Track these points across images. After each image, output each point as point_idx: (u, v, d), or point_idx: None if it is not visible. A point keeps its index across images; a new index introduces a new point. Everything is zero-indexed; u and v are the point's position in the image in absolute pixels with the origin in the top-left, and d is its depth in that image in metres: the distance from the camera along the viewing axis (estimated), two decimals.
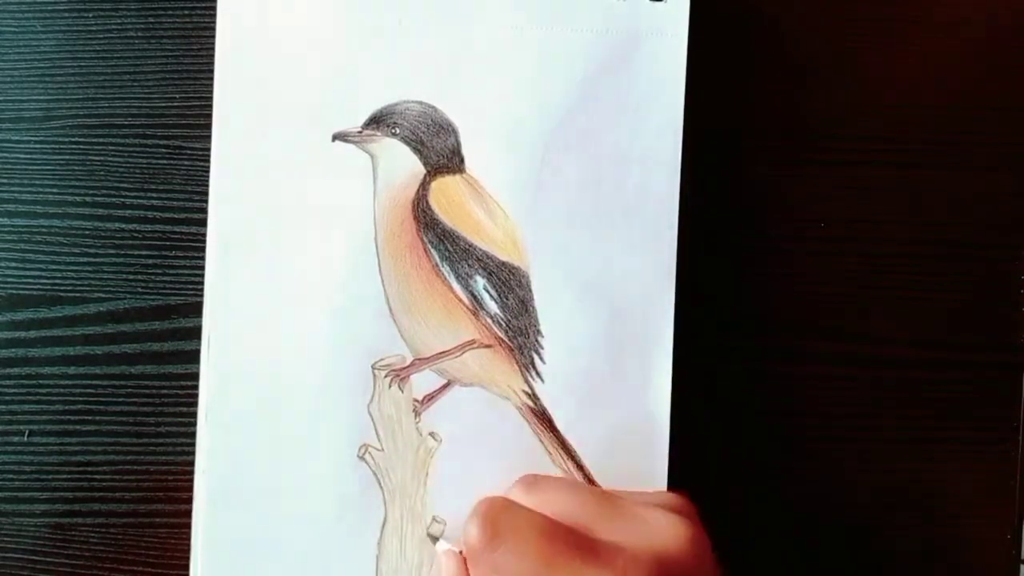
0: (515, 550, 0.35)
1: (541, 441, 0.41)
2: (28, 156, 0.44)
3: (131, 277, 0.44)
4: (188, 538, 0.41)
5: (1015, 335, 0.46)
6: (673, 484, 0.41)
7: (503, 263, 0.41)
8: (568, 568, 0.34)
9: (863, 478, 0.45)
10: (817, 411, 0.45)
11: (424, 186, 0.41)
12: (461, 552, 0.38)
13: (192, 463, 0.41)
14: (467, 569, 0.37)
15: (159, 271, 0.44)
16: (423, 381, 0.41)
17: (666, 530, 0.36)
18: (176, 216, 0.44)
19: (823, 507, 0.45)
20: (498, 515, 0.36)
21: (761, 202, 0.45)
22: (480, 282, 0.41)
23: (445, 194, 0.41)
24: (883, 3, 0.45)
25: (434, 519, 0.41)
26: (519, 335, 0.41)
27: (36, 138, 0.44)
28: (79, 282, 0.44)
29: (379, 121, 0.41)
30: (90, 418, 0.44)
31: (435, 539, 0.40)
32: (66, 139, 0.44)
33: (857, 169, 0.45)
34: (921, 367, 0.45)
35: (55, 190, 0.44)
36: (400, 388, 0.41)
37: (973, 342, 0.45)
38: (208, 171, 0.41)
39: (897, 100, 0.45)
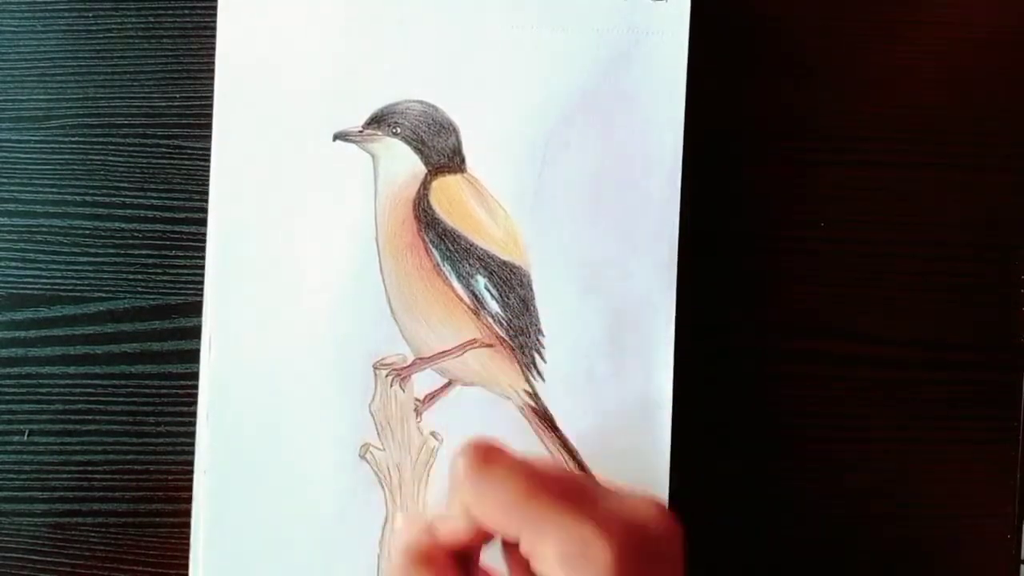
0: (503, 478, 0.34)
1: (542, 440, 0.41)
2: (28, 156, 0.44)
3: (131, 277, 0.44)
4: (188, 538, 0.40)
5: (1015, 335, 0.46)
6: (674, 483, 0.41)
7: (504, 262, 0.41)
8: (548, 506, 0.34)
9: (862, 478, 0.45)
10: (817, 411, 0.45)
11: (425, 185, 0.41)
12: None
13: (192, 463, 0.41)
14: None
15: (159, 271, 0.44)
16: (424, 381, 0.41)
17: (641, 506, 0.36)
18: (176, 216, 0.44)
19: (822, 507, 0.45)
20: (490, 447, 0.36)
21: (761, 202, 0.45)
22: (481, 281, 0.41)
23: (446, 193, 0.41)
24: (883, 3, 0.45)
25: None
26: (520, 334, 0.41)
27: (36, 138, 0.44)
28: (79, 282, 0.44)
29: (380, 120, 0.41)
30: (90, 418, 0.43)
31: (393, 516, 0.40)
32: (66, 139, 0.44)
33: (857, 169, 0.45)
34: (921, 367, 0.45)
35: (55, 190, 0.44)
36: (401, 388, 0.41)
37: (973, 342, 0.45)
38: (208, 171, 0.41)
39: (896, 100, 0.45)
